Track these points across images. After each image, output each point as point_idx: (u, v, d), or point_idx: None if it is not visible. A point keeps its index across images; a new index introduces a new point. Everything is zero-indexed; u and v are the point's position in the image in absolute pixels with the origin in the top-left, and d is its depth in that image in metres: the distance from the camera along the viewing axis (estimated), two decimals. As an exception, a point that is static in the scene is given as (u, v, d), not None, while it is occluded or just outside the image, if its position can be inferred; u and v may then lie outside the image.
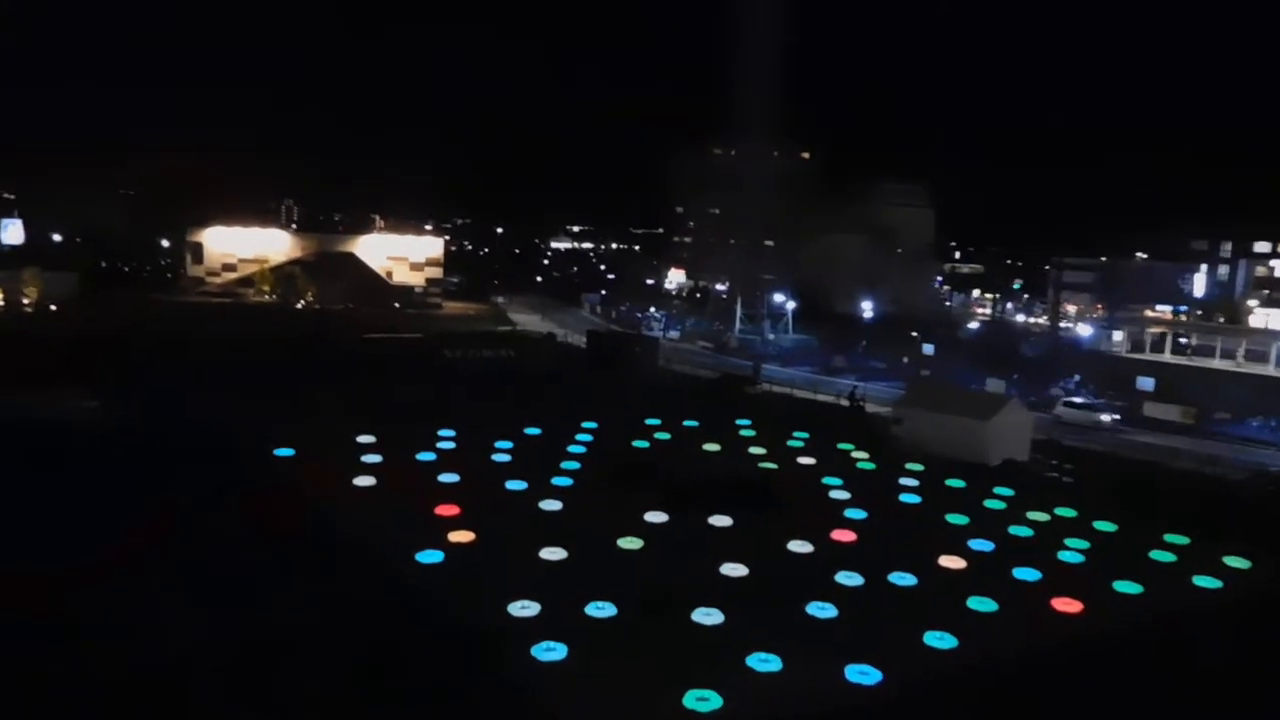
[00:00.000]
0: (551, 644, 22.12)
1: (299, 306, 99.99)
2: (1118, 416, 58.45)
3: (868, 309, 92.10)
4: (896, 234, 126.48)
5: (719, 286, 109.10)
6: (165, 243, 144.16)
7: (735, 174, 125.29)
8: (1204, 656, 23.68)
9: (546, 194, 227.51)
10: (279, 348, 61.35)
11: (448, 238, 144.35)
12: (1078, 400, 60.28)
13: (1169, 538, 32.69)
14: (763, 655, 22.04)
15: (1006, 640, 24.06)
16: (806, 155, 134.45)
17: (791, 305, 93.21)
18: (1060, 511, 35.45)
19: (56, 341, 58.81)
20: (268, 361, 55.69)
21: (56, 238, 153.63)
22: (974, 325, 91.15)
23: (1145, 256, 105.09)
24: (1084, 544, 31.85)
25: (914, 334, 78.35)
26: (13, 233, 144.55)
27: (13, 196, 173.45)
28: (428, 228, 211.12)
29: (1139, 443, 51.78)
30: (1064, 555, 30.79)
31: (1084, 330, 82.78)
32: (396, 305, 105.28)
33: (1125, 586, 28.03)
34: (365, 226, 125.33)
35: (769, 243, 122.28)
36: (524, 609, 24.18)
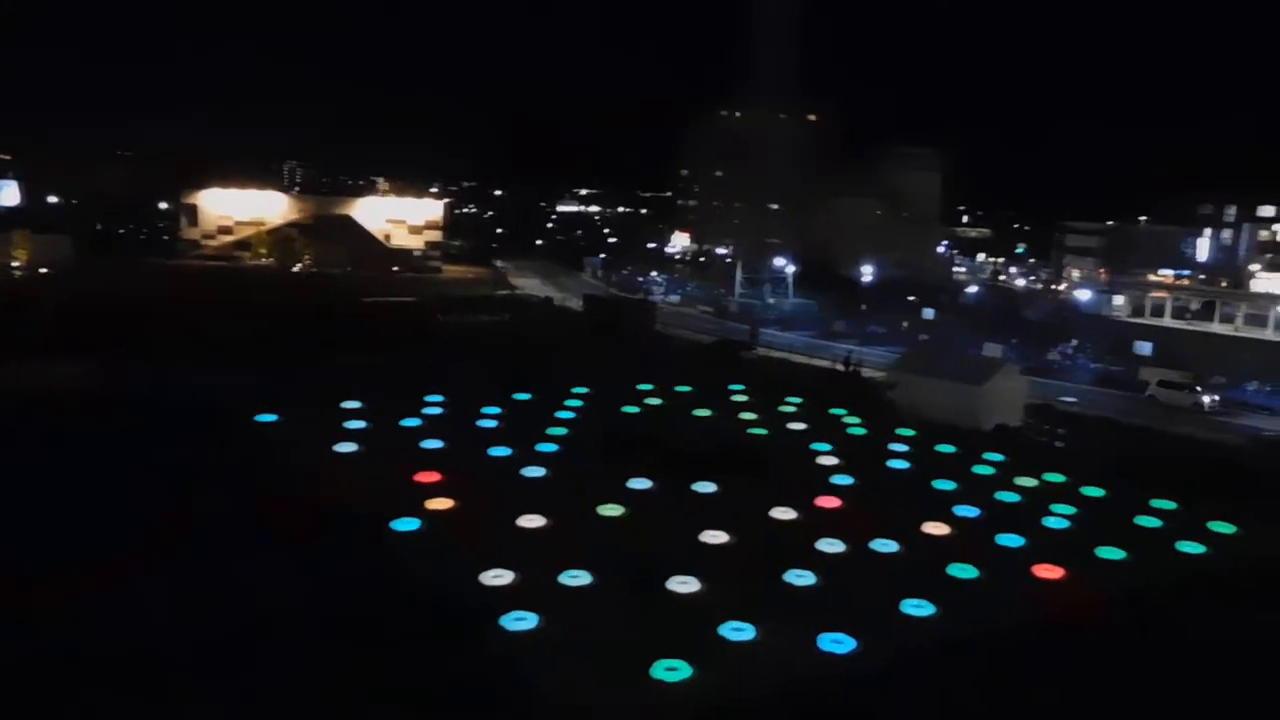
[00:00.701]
0: (522, 613, 21.95)
1: (295, 270, 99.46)
2: (1217, 398, 53.62)
3: (869, 273, 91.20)
4: (904, 199, 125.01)
5: (721, 250, 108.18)
6: (164, 205, 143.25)
7: (742, 137, 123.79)
8: (1183, 622, 23.43)
9: (554, 157, 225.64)
10: (269, 312, 61.02)
11: (450, 200, 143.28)
12: (1173, 379, 54.52)
13: (1156, 503, 32.37)
14: (736, 624, 21.84)
15: (984, 607, 23.83)
16: (813, 118, 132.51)
17: (791, 270, 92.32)
18: (1048, 477, 35.11)
19: (40, 306, 58.55)
20: (256, 326, 55.35)
21: (53, 199, 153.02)
22: (972, 290, 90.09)
23: (1149, 220, 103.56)
24: (1070, 510, 31.55)
25: (911, 298, 77.53)
26: (8, 194, 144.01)
27: (9, 157, 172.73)
28: (433, 190, 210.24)
29: (1244, 426, 48.51)
30: (1049, 521, 30.49)
31: (1083, 295, 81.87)
32: (395, 269, 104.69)
33: (1108, 553, 27.74)
34: (367, 189, 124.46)
35: (775, 206, 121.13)
36: (497, 577, 23.99)
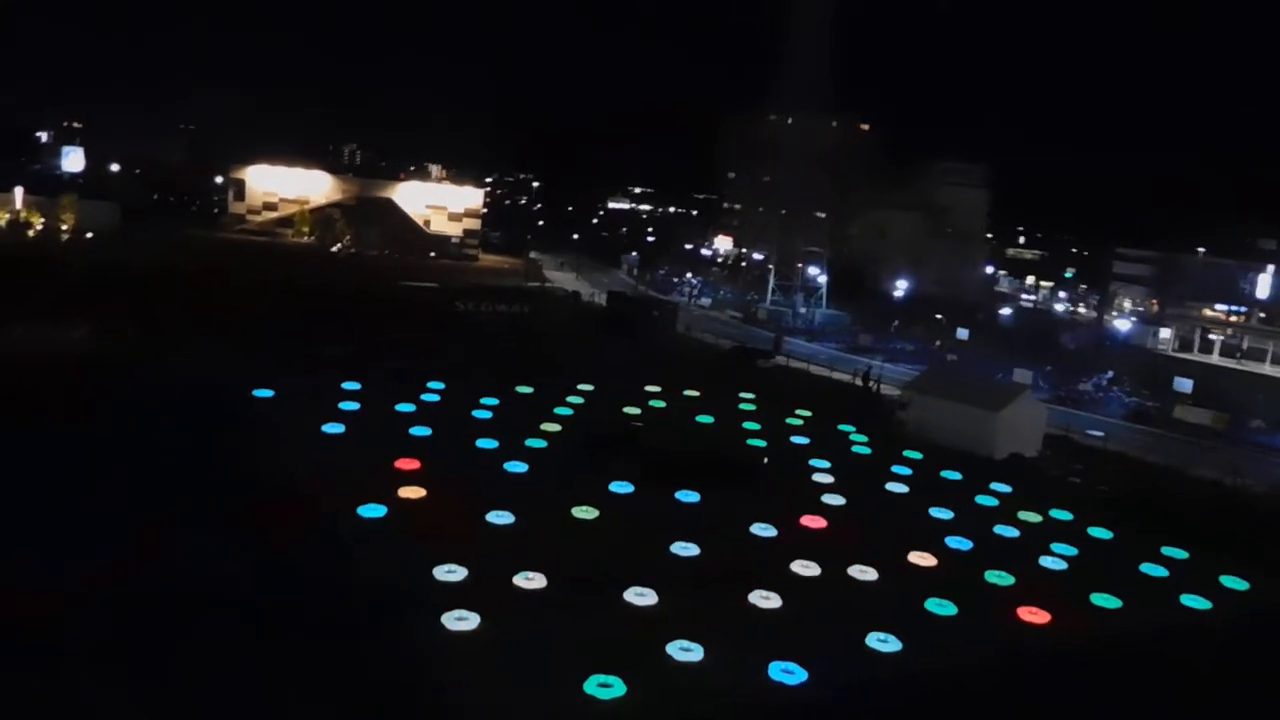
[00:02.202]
0: (464, 613, 21.18)
1: (334, 250, 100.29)
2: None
3: (903, 288, 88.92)
4: (948, 214, 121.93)
5: (757, 256, 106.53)
6: (220, 179, 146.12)
7: (791, 142, 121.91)
8: (1166, 682, 21.79)
9: (611, 153, 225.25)
10: (292, 289, 61.32)
11: (500, 190, 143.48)
12: (1201, 420, 50.52)
13: (1166, 550, 30.49)
14: (685, 643, 20.80)
15: (956, 648, 22.44)
16: (865, 127, 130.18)
17: (824, 279, 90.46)
18: (1055, 513, 33.37)
19: (71, 270, 59.57)
20: (276, 302, 55.61)
21: (114, 168, 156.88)
22: (1005, 312, 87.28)
23: (1206, 252, 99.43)
24: (1071, 550, 29.84)
25: (938, 316, 75.28)
26: (73, 160, 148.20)
27: (80, 125, 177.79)
28: (489, 180, 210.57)
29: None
30: (1046, 561, 28.85)
31: (1123, 324, 78.64)
32: (432, 254, 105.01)
33: (1103, 599, 26.07)
34: (420, 175, 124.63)
35: (820, 215, 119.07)
36: (450, 573, 23.28)
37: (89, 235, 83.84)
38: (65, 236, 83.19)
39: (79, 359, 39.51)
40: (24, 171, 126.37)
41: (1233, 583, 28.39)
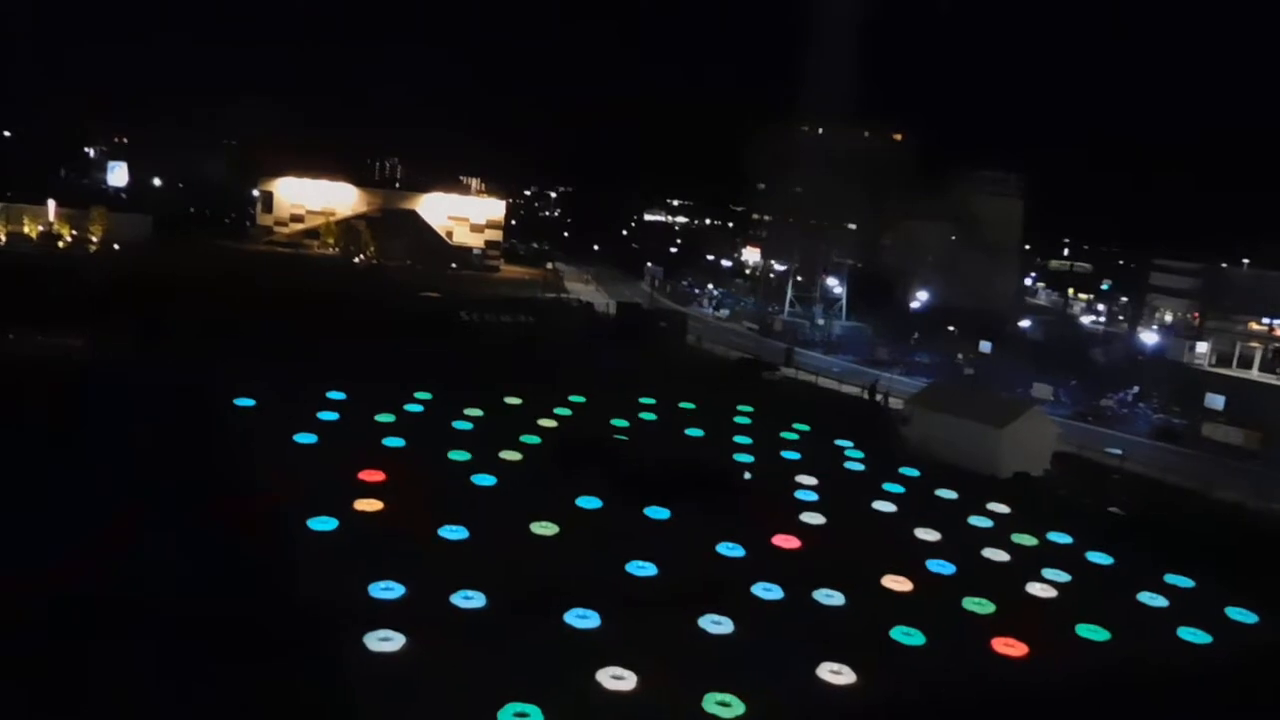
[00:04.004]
0: (388, 633, 20.18)
1: (356, 261, 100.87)
2: None
3: (923, 299, 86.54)
4: (982, 224, 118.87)
5: (779, 267, 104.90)
6: (256, 192, 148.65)
7: (821, 151, 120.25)
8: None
9: (648, 167, 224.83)
10: (299, 299, 61.27)
11: (537, 203, 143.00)
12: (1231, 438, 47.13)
13: (1170, 578, 28.43)
14: (618, 671, 19.57)
15: (915, 681, 20.87)
16: (899, 136, 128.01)
17: (839, 290, 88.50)
18: (1053, 536, 31.44)
19: (86, 280, 60.28)
20: (279, 311, 55.48)
21: (157, 182, 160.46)
22: (1026, 324, 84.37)
23: (1251, 264, 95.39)
24: (1064, 577, 27.95)
25: (951, 328, 72.90)
26: (118, 175, 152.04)
27: (126, 140, 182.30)
28: (526, 193, 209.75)
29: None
30: (1034, 588, 27.02)
31: (1150, 337, 75.34)
32: (454, 266, 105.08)
33: (1090, 631, 24.22)
34: (458, 188, 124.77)
35: (851, 225, 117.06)
36: (386, 590, 22.34)
37: (116, 246, 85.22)
38: (93, 248, 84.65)
39: (70, 363, 39.54)
40: (73, 185, 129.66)
41: (1240, 615, 26.32)
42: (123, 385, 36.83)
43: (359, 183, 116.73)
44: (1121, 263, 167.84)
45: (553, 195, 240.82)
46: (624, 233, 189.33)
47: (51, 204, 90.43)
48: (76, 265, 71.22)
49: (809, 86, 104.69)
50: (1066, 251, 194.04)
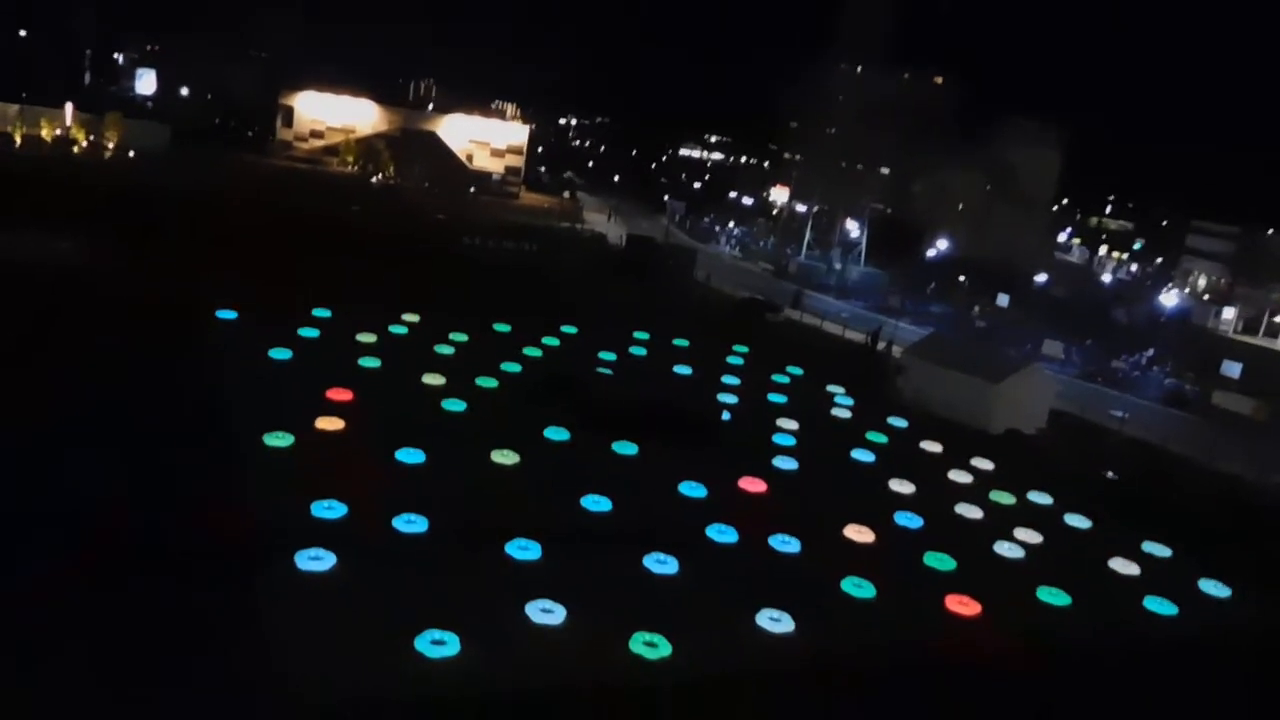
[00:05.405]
0: (319, 552, 19.87)
1: (374, 181, 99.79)
2: None
3: (941, 248, 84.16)
4: (1016, 176, 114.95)
5: (800, 208, 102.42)
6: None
7: (859, 92, 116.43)
8: (1080, 701, 19.29)
9: (691, 102, 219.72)
10: (302, 216, 60.64)
11: (571, 131, 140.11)
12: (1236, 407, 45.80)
13: (1148, 546, 27.53)
14: (547, 604, 19.15)
15: (856, 635, 20.31)
16: (939, 80, 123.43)
17: (857, 234, 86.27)
18: (1033, 496, 30.53)
19: (89, 187, 59.91)
20: (277, 228, 54.91)
21: (185, 92, 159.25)
22: (1041, 278, 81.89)
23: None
24: (1036, 538, 27.12)
25: (961, 278, 70.85)
26: (146, 82, 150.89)
27: (156, 49, 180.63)
28: (562, 121, 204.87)
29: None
30: (1002, 547, 26.24)
31: (1168, 300, 72.76)
32: (472, 190, 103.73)
33: (1050, 595, 23.47)
34: (495, 114, 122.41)
35: (884, 170, 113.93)
36: (328, 509, 22.01)
37: (131, 154, 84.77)
38: (107, 154, 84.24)
39: (53, 269, 39.30)
40: (100, 92, 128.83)
41: (1212, 588, 25.42)
42: (99, 293, 36.53)
43: (380, 100, 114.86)
44: (1165, 223, 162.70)
45: (587, 125, 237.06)
46: (654, 166, 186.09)
47: (69, 108, 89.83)
48: (82, 172, 70.81)
49: (854, 23, 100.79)
50: (1109, 209, 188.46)
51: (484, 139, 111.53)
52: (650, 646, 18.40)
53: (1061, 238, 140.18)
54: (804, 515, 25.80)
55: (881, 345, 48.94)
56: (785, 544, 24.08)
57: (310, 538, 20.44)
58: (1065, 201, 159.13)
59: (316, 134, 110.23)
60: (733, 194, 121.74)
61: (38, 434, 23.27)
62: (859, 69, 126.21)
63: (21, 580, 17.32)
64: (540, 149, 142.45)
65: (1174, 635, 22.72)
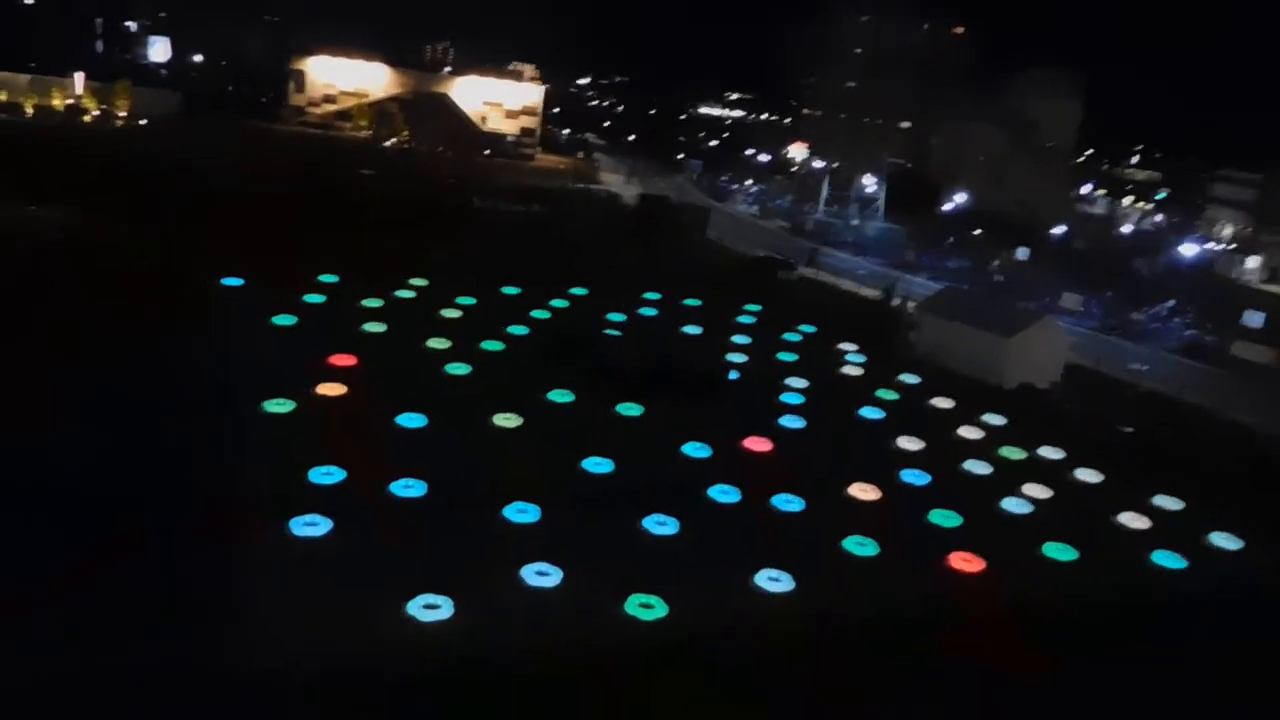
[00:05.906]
0: (316, 518, 19.95)
1: (387, 145, 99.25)
2: None
3: (961, 202, 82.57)
4: (1037, 127, 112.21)
5: (817, 164, 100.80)
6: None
7: (877, 43, 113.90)
8: (1084, 656, 19.06)
9: (709, 58, 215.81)
10: (311, 181, 60.33)
11: (590, 91, 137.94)
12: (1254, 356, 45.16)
13: (1158, 500, 27.09)
14: (543, 567, 19.15)
15: (854, 593, 20.16)
16: (959, 30, 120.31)
17: (872, 188, 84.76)
18: (1043, 451, 30.08)
19: (96, 155, 59.91)
20: (287, 194, 54.66)
21: (198, 58, 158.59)
22: (1058, 230, 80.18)
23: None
24: (1045, 493, 26.76)
25: (982, 232, 69.52)
26: (159, 50, 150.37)
27: (164, 15, 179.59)
28: (581, 81, 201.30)
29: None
30: (1009, 503, 25.91)
31: (1191, 250, 71.01)
32: (487, 152, 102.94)
33: (1056, 550, 23.18)
34: (510, 75, 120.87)
35: (904, 124, 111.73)
36: (326, 475, 22.07)
37: (142, 122, 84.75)
38: (119, 123, 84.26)
39: (47, 239, 39.32)
40: (113, 59, 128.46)
41: (1224, 541, 25.01)
42: (100, 263, 36.56)
43: (393, 64, 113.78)
44: (1194, 172, 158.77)
45: (605, 84, 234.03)
46: (672, 126, 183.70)
47: (79, 77, 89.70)
48: (90, 141, 70.84)
49: None
50: (1137, 159, 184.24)
51: (497, 100, 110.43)
52: (646, 608, 18.37)
53: (1085, 189, 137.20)
54: (809, 474, 25.60)
55: (896, 301, 48.22)
56: (788, 503, 23.90)
57: (306, 504, 20.53)
58: (1091, 152, 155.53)
59: (329, 98, 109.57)
60: (751, 151, 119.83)
61: (39, 399, 23.49)
62: (877, 20, 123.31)
63: (18, 550, 17.55)
64: (557, 110, 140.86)
65: (1178, 587, 22.39)
